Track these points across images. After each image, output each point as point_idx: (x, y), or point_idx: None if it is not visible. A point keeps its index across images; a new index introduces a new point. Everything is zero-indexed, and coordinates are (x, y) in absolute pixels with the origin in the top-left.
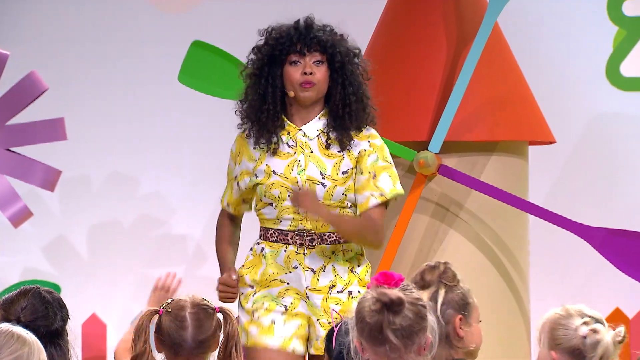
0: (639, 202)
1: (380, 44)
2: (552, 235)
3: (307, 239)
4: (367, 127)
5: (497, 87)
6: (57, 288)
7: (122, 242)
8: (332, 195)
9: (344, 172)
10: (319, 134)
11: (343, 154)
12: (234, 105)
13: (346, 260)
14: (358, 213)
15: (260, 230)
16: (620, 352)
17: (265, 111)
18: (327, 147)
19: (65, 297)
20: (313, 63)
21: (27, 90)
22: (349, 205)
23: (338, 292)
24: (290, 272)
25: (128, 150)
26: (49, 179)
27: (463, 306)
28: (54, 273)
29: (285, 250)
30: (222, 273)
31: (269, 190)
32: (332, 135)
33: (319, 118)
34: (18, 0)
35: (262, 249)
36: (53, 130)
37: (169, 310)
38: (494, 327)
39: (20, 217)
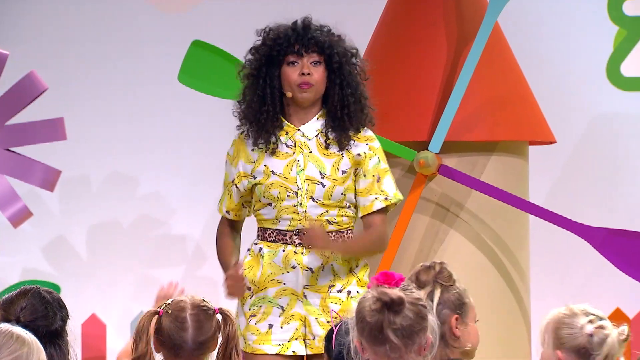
0: (639, 202)
1: (380, 44)
2: (553, 235)
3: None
4: (365, 128)
5: (497, 87)
6: (57, 288)
7: (121, 243)
8: (331, 195)
9: (343, 172)
10: (317, 134)
11: (342, 154)
12: (234, 106)
13: (345, 260)
14: (360, 215)
15: (258, 231)
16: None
17: (264, 112)
18: (327, 147)
19: (65, 297)
20: (311, 63)
21: (27, 90)
22: (347, 205)
23: (337, 291)
24: (288, 272)
25: (128, 150)
26: (48, 179)
27: (459, 306)
28: (53, 273)
29: (283, 250)
30: (224, 271)
31: (267, 190)
32: (330, 136)
33: (317, 118)
34: (18, 0)
35: (260, 249)
36: (53, 130)
37: (169, 311)
38: (494, 327)
39: (20, 217)
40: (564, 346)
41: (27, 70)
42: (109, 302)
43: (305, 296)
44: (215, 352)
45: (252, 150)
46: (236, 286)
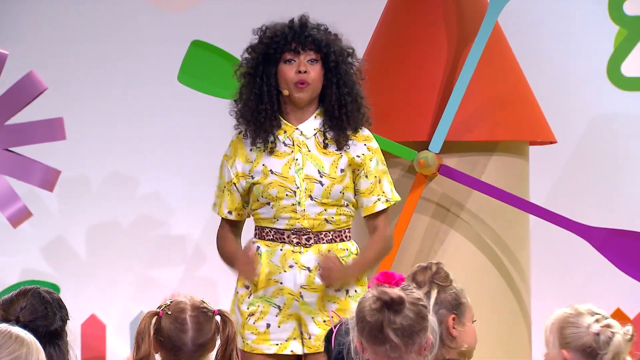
0: (639, 202)
1: (380, 44)
2: (553, 235)
3: (303, 237)
4: (362, 127)
5: (497, 87)
6: (57, 288)
7: (121, 243)
8: (329, 194)
9: (342, 170)
10: (315, 133)
11: (341, 153)
12: (230, 105)
13: (342, 259)
14: (363, 215)
15: (256, 229)
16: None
17: (262, 111)
18: (325, 146)
19: (65, 297)
20: (307, 61)
21: (26, 90)
22: (345, 204)
23: (335, 290)
24: (286, 271)
25: (128, 150)
26: (48, 179)
27: (456, 306)
28: (53, 273)
29: (281, 249)
30: (232, 267)
31: (266, 190)
32: (329, 135)
33: (315, 117)
34: (18, 0)
35: (258, 247)
36: (52, 130)
37: (169, 312)
38: (494, 327)
39: (20, 217)
40: (569, 345)
41: (27, 70)
42: (108, 302)
43: (301, 296)
44: (213, 353)
45: (250, 150)
46: (250, 268)
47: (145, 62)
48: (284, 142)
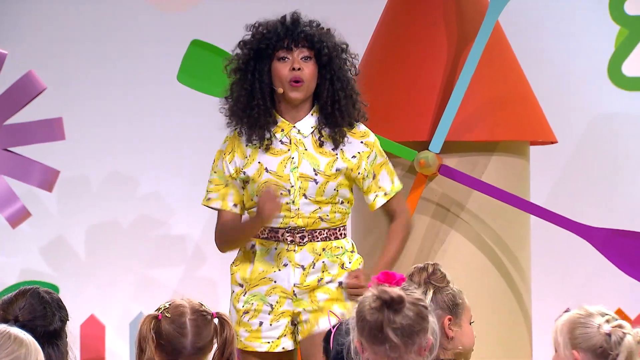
0: None
1: (380, 44)
2: (553, 235)
3: (297, 236)
4: (359, 123)
5: (498, 86)
6: (56, 289)
7: (121, 243)
8: (324, 191)
9: (337, 170)
10: (313, 131)
11: (336, 153)
12: (220, 102)
13: (336, 256)
14: (371, 210)
15: None
16: None
17: (254, 107)
18: (321, 144)
19: (64, 297)
20: (301, 59)
21: (25, 90)
22: (340, 201)
23: (327, 282)
24: (280, 270)
25: (127, 150)
26: (47, 179)
27: (452, 307)
28: (52, 274)
29: (275, 248)
30: (255, 222)
31: (261, 188)
32: (324, 133)
33: (312, 114)
34: (18, 0)
35: (253, 246)
36: (51, 130)
37: (168, 315)
38: (495, 327)
39: (19, 217)
40: (579, 346)
41: (27, 70)
42: (108, 302)
43: (295, 294)
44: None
45: (247, 146)
46: (277, 203)
47: (145, 62)
48: (281, 140)
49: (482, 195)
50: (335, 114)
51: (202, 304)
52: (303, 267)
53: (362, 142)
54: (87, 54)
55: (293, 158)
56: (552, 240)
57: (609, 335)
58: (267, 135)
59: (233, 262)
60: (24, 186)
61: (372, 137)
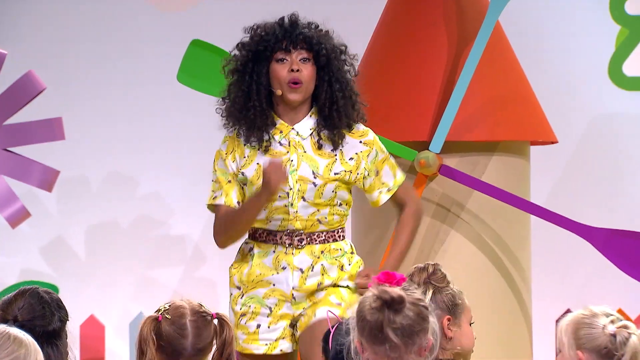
0: None
1: (380, 44)
2: (554, 235)
3: (296, 239)
4: (358, 124)
5: (498, 86)
6: (55, 289)
7: (120, 243)
8: (322, 194)
9: (336, 173)
10: (311, 133)
11: (336, 154)
12: (217, 102)
13: (335, 259)
14: (375, 207)
15: (249, 230)
16: None
17: (250, 108)
18: (320, 147)
19: (63, 298)
20: (300, 60)
21: (25, 90)
22: (338, 203)
23: (327, 286)
24: (278, 273)
25: (127, 150)
26: (47, 179)
27: (452, 307)
28: (51, 274)
29: (274, 251)
30: (260, 196)
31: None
32: (323, 135)
33: (310, 116)
34: (18, 0)
35: (251, 248)
36: (51, 130)
37: (168, 316)
38: (495, 327)
39: (18, 217)
40: (584, 346)
41: (26, 70)
42: (107, 303)
43: (294, 297)
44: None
45: (245, 145)
46: (282, 174)
47: (145, 62)
48: (279, 142)
49: (483, 196)
50: (334, 116)
51: (201, 305)
52: (302, 270)
53: (361, 141)
54: (87, 53)
55: (292, 160)
56: (552, 241)
57: (613, 335)
58: (266, 137)
59: (231, 265)
60: (23, 186)
61: (371, 135)
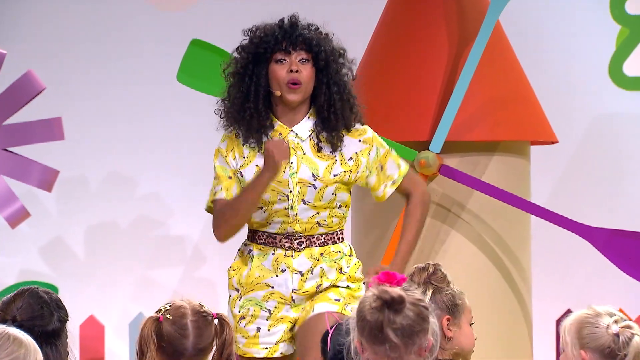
0: None
1: (380, 44)
2: (554, 235)
3: (295, 241)
4: (355, 125)
5: (498, 86)
6: (55, 289)
7: (120, 243)
8: (322, 197)
9: (335, 175)
10: (310, 134)
11: (335, 156)
12: (217, 103)
13: (334, 261)
14: (381, 201)
15: (248, 232)
16: None
17: (247, 109)
18: (319, 149)
19: (63, 298)
20: (299, 61)
21: (24, 90)
22: (338, 205)
23: (326, 288)
24: (278, 276)
25: (127, 150)
26: (46, 179)
27: (451, 307)
28: (51, 274)
29: (273, 253)
30: (262, 176)
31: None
32: (322, 137)
33: (309, 117)
34: (17, 0)
35: (250, 250)
36: (50, 130)
37: (169, 317)
38: (495, 327)
39: (18, 217)
40: (587, 346)
41: (26, 70)
42: (107, 303)
43: (293, 300)
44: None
45: (244, 145)
46: (281, 149)
47: (145, 62)
48: None
49: (483, 196)
50: (331, 118)
51: (202, 305)
52: (301, 273)
53: (360, 140)
54: (86, 53)
55: (292, 163)
56: (552, 241)
57: (617, 335)
58: (265, 139)
59: (230, 267)
60: (23, 186)
61: (369, 132)
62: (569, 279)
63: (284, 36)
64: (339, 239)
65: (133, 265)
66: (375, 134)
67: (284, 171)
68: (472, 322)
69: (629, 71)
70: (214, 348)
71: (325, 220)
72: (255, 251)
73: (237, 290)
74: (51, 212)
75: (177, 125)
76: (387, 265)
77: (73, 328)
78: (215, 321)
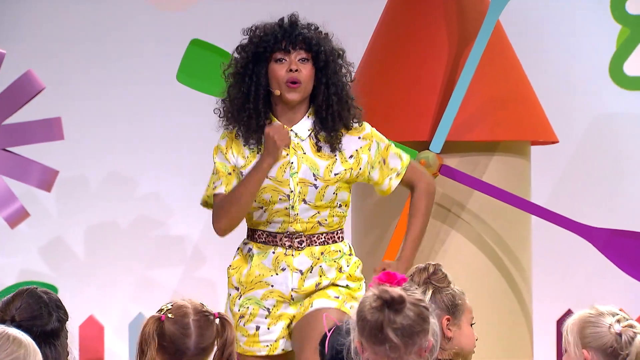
0: None
1: (380, 44)
2: (554, 235)
3: (295, 241)
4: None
5: (498, 86)
6: (54, 289)
7: (120, 243)
8: (323, 196)
9: (336, 174)
10: (310, 134)
11: (335, 155)
12: (216, 103)
13: (333, 260)
14: (387, 195)
15: (248, 231)
16: None
17: (247, 109)
18: (319, 149)
19: (63, 298)
20: (298, 60)
21: (24, 90)
22: (338, 205)
23: (325, 286)
24: (277, 274)
25: (127, 150)
26: (46, 179)
27: (451, 307)
28: (51, 274)
29: (273, 252)
30: (262, 161)
31: (260, 194)
32: (321, 136)
33: (308, 116)
34: (17, 0)
35: (250, 249)
36: (49, 130)
37: (171, 316)
38: (495, 327)
39: (17, 217)
40: (590, 345)
41: (26, 69)
42: (107, 303)
43: (292, 298)
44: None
45: (244, 146)
46: (281, 133)
47: (145, 62)
48: None
49: (483, 196)
50: (329, 119)
51: (203, 305)
52: (301, 272)
53: (359, 137)
54: (86, 53)
55: (292, 163)
56: (553, 241)
57: (619, 335)
58: (264, 139)
59: (230, 266)
60: (22, 186)
61: (368, 128)
62: (569, 279)
63: (284, 35)
64: (339, 238)
65: (133, 265)
66: (374, 129)
67: (284, 171)
68: (473, 322)
69: (630, 71)
70: (215, 348)
71: (326, 220)
72: (255, 250)
73: (237, 289)
74: (51, 212)
75: (177, 125)
76: (392, 260)
77: (73, 328)
78: (217, 321)
